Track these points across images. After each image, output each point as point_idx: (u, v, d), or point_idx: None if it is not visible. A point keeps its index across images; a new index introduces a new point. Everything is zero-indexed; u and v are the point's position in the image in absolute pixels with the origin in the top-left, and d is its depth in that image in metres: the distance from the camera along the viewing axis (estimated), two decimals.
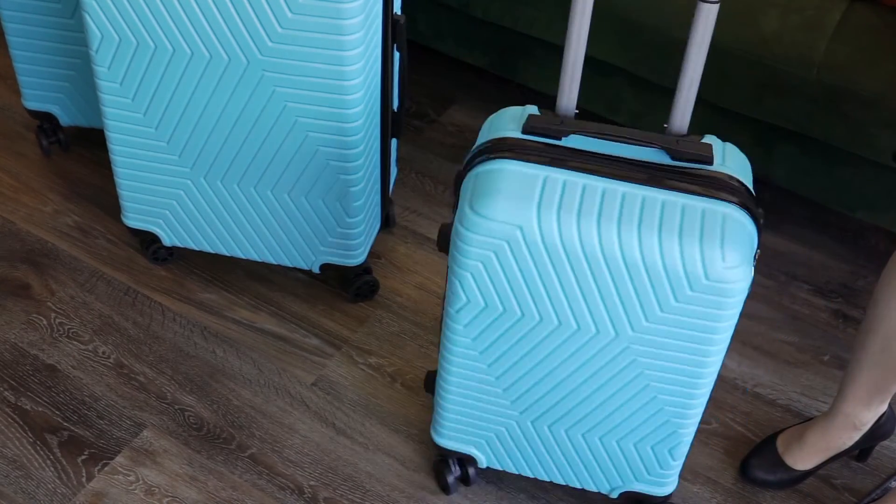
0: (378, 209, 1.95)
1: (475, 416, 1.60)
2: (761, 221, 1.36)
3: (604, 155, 1.36)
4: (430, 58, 2.47)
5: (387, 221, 2.09)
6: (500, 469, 1.68)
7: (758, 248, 1.36)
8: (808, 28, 1.86)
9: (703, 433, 1.83)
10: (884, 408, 1.69)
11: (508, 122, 1.41)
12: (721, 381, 1.90)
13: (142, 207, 1.91)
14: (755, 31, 1.88)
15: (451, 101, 2.46)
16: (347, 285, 1.98)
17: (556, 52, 2.18)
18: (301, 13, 1.56)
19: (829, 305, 2.05)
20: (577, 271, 1.34)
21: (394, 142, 1.95)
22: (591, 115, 2.24)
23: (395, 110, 1.86)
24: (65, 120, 2.17)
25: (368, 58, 1.66)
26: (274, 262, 1.94)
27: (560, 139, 1.38)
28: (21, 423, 1.78)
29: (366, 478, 1.74)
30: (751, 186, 1.36)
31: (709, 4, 1.27)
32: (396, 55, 1.79)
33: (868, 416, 1.68)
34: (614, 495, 1.65)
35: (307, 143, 1.72)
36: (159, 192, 1.87)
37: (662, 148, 1.36)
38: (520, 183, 1.34)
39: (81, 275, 2.02)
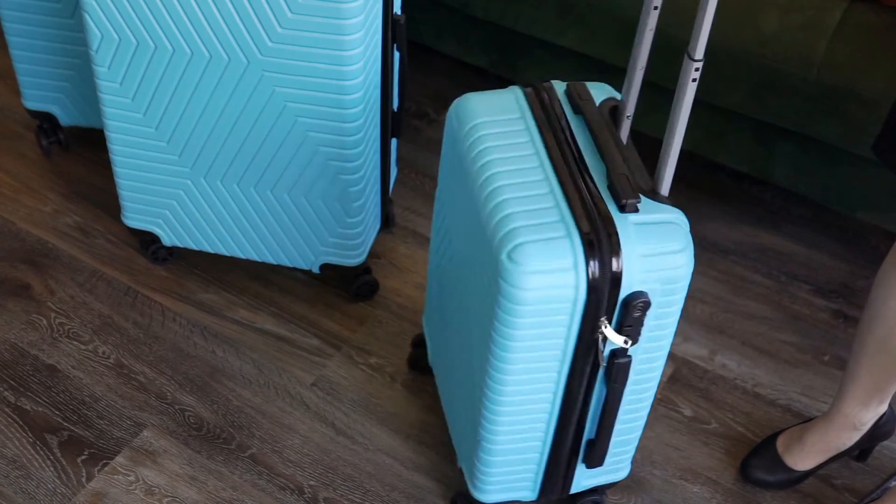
0: (378, 209, 1.95)
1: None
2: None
3: None
4: (430, 58, 2.47)
5: (387, 221, 2.09)
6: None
7: None
8: (808, 28, 1.86)
9: (703, 433, 1.83)
10: (883, 408, 1.69)
11: None
12: (721, 380, 1.90)
13: (142, 207, 1.91)
14: (755, 31, 1.88)
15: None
16: (347, 285, 1.98)
17: (556, 51, 2.18)
18: (301, 13, 1.56)
19: (830, 305, 2.05)
20: None
21: (394, 142, 1.95)
22: None
23: (395, 110, 1.86)
24: (65, 120, 2.17)
25: (368, 58, 1.66)
26: (274, 262, 1.94)
27: None
28: (21, 423, 1.78)
29: (366, 478, 1.74)
30: None
31: (693, 62, 1.24)
32: (396, 55, 1.79)
33: (867, 417, 1.68)
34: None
35: (307, 143, 1.72)
36: (159, 192, 1.87)
37: None
38: None
39: (81, 275, 2.02)
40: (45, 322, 1.94)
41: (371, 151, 1.80)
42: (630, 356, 1.36)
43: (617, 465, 1.60)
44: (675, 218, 1.33)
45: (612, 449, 1.53)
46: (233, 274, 2.03)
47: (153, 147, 1.79)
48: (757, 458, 1.76)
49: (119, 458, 1.74)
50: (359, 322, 1.97)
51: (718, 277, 2.07)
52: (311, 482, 1.73)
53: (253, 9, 1.57)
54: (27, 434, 1.77)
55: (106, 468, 1.73)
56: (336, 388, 1.86)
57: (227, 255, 1.95)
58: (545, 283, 1.27)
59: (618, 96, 1.45)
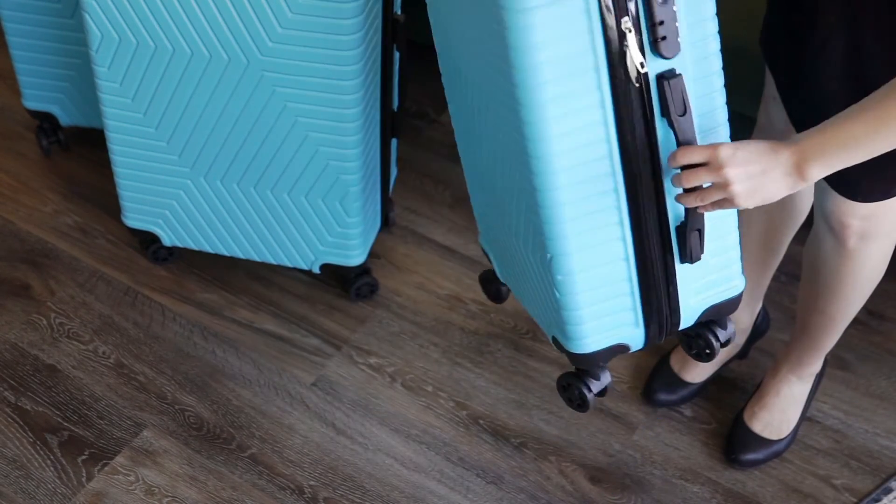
0: (378, 209, 1.95)
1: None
2: None
3: None
4: (430, 58, 2.47)
5: (386, 222, 2.09)
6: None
7: None
8: None
9: (703, 433, 1.83)
10: (759, 305, 1.81)
11: None
12: (721, 381, 1.90)
13: (142, 207, 1.91)
14: (757, 30, 1.88)
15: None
16: (347, 285, 1.98)
17: None
18: (301, 13, 1.56)
19: None
20: None
21: (394, 142, 1.95)
22: None
23: (395, 110, 1.86)
24: (65, 120, 2.17)
25: (368, 58, 1.66)
26: (274, 262, 1.94)
27: None
28: (21, 423, 1.78)
29: (366, 478, 1.74)
30: None
31: None
32: (396, 55, 1.79)
33: (751, 318, 1.80)
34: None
35: (307, 143, 1.72)
36: (159, 192, 1.87)
37: None
38: None
39: (81, 275, 2.02)
40: (45, 322, 1.94)
41: (371, 151, 1.80)
42: (680, 74, 1.07)
43: (724, 268, 1.26)
44: None
45: (709, 244, 1.20)
46: (233, 274, 2.03)
47: (153, 147, 1.79)
48: (656, 381, 1.83)
49: (119, 458, 1.74)
50: (359, 322, 1.97)
51: None
52: (311, 482, 1.73)
53: (253, 9, 1.57)
54: (27, 434, 1.77)
55: (106, 468, 1.73)
56: (336, 388, 1.86)
57: (227, 255, 1.95)
58: None
59: None
